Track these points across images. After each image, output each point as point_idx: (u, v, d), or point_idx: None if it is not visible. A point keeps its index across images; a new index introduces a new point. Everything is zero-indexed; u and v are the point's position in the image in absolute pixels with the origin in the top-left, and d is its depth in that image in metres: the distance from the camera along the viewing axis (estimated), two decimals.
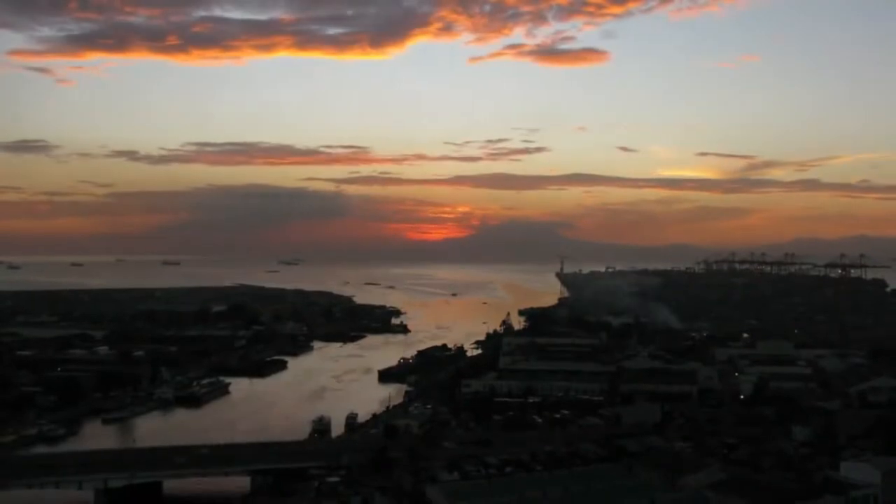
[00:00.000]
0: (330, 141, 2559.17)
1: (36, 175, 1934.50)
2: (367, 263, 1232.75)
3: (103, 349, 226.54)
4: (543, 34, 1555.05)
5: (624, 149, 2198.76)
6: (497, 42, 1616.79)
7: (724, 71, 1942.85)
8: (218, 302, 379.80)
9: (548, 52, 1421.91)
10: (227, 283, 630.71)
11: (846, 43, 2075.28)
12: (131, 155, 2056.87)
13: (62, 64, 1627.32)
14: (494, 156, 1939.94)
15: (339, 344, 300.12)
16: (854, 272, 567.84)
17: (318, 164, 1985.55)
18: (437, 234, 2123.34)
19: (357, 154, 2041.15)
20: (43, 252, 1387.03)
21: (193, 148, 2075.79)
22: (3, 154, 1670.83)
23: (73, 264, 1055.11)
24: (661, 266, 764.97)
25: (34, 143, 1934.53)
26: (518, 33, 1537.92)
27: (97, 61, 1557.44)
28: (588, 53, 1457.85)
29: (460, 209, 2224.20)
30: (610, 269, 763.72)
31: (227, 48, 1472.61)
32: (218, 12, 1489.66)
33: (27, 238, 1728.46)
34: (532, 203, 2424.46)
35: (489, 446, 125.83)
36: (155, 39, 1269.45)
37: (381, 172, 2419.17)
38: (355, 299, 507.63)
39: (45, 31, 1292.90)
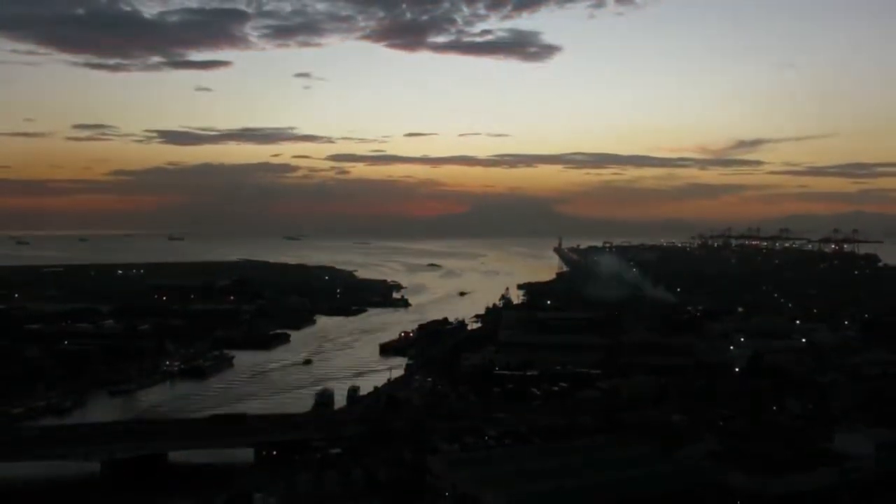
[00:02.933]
0: (319, 125, 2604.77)
1: (43, 155, 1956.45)
2: (366, 239, 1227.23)
3: (110, 323, 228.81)
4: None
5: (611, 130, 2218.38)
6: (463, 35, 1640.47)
7: (709, 52, 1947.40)
8: (223, 277, 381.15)
9: (496, 47, 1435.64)
10: (232, 258, 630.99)
11: (845, 21, 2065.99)
12: (130, 137, 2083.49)
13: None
14: (473, 136, 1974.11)
15: (341, 317, 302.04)
16: (847, 247, 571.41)
17: (313, 143, 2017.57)
18: (432, 210, 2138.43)
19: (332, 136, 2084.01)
20: (50, 227, 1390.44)
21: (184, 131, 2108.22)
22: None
23: (81, 239, 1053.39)
24: (655, 241, 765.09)
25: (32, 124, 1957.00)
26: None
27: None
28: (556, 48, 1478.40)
29: (452, 187, 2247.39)
30: (608, 245, 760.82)
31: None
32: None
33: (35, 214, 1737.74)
34: (526, 180, 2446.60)
35: (488, 418, 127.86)
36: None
37: (374, 150, 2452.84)
38: (357, 274, 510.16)
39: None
